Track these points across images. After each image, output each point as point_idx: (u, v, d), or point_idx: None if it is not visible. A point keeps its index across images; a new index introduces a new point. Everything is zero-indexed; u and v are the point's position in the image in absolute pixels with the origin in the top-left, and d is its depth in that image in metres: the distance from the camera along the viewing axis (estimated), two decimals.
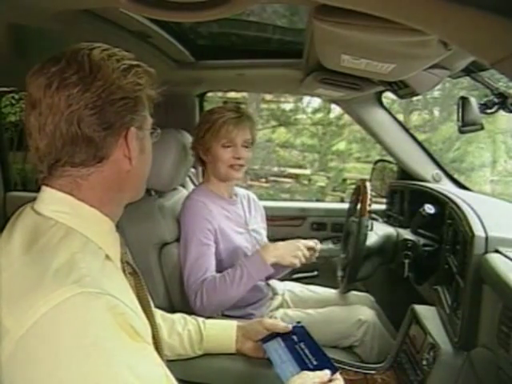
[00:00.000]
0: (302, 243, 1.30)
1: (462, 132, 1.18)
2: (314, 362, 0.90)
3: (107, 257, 0.64)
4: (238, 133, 1.36)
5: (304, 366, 0.89)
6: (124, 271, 0.72)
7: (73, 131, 0.61)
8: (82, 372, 0.51)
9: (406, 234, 1.40)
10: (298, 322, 1.03)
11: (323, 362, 0.90)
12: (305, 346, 0.95)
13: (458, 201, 1.26)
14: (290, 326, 0.99)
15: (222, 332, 1.03)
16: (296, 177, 6.22)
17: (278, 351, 0.95)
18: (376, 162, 2.10)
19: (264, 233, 1.55)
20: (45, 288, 0.53)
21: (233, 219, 1.43)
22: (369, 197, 1.32)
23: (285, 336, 0.98)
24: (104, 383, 0.52)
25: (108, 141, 0.63)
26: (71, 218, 0.63)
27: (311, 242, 1.33)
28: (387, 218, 1.85)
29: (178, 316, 1.04)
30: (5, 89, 2.23)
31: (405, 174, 1.84)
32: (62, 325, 0.52)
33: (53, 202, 0.64)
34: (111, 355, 0.53)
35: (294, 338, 0.98)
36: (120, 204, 0.72)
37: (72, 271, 0.55)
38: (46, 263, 0.56)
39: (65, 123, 0.60)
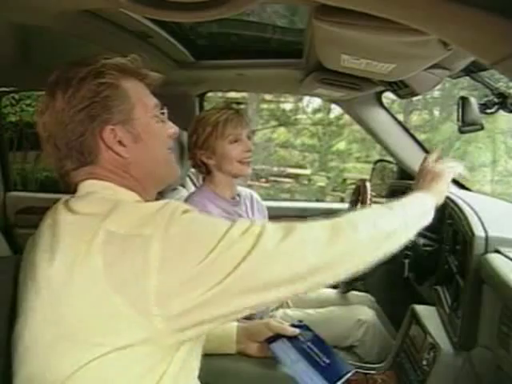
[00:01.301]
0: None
1: (461, 132, 1.18)
2: (327, 360, 0.90)
3: None
4: (242, 126, 1.36)
5: (316, 365, 0.89)
6: None
7: (55, 149, 0.69)
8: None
9: None
10: (300, 321, 1.03)
11: (335, 360, 0.90)
12: (312, 344, 0.95)
13: (458, 201, 1.25)
14: (298, 330, 0.99)
15: (223, 332, 1.03)
16: (296, 177, 6.21)
17: (286, 352, 0.94)
18: (376, 162, 2.10)
19: None
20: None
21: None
22: (369, 197, 1.32)
23: (290, 336, 0.98)
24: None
25: (85, 147, 0.69)
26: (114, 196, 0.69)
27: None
28: None
29: None
30: (5, 89, 2.23)
31: (405, 174, 1.84)
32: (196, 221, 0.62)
33: (96, 189, 0.69)
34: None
35: (300, 337, 0.97)
36: (150, 188, 0.76)
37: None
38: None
39: (50, 145, 0.70)
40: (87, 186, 0.70)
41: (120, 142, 0.70)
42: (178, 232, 0.59)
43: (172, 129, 0.79)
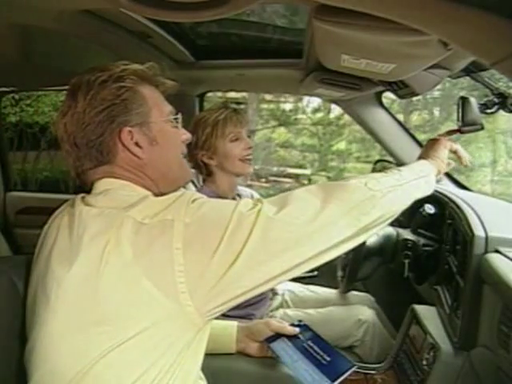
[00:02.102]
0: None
1: (462, 132, 1.18)
2: (328, 358, 0.90)
3: None
4: (241, 124, 1.36)
5: (317, 363, 0.89)
6: None
7: (75, 148, 0.72)
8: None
9: (406, 234, 1.40)
10: (300, 321, 1.03)
11: (336, 357, 0.90)
12: (313, 343, 0.95)
13: (458, 201, 1.25)
14: (297, 329, 0.99)
15: (223, 331, 1.03)
16: (296, 177, 6.21)
17: (286, 351, 0.95)
18: (376, 162, 2.09)
19: None
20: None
21: None
22: None
23: (290, 335, 0.98)
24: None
25: (104, 147, 0.72)
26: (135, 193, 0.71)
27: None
28: None
29: None
30: (5, 89, 2.23)
31: None
32: (210, 210, 0.64)
33: (115, 187, 0.72)
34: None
35: (300, 336, 0.98)
36: (164, 189, 0.77)
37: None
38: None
39: (70, 144, 0.73)
40: (105, 184, 0.73)
41: (136, 144, 0.73)
42: (194, 219, 0.62)
43: (185, 134, 0.82)
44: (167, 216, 0.62)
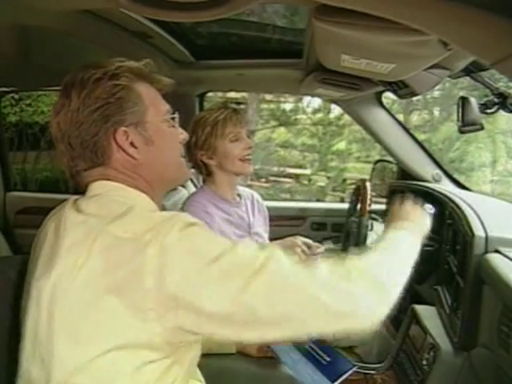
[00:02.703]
0: (301, 240, 1.30)
1: (461, 132, 1.18)
2: (328, 359, 0.90)
3: None
4: (241, 124, 1.35)
5: (317, 364, 0.90)
6: None
7: (69, 148, 0.70)
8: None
9: None
10: None
11: (336, 357, 0.90)
12: (313, 344, 0.95)
13: (458, 201, 1.26)
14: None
15: None
16: (296, 177, 6.21)
17: (287, 351, 0.95)
18: (376, 162, 2.10)
19: (266, 235, 1.54)
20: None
21: (234, 222, 1.41)
22: (369, 197, 1.32)
23: None
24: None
25: (99, 147, 0.69)
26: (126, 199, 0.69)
27: (310, 241, 1.33)
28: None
29: None
30: (5, 89, 2.23)
31: (405, 174, 1.84)
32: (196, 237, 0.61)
33: (108, 190, 0.70)
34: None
35: None
36: (159, 189, 0.77)
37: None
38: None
39: (64, 144, 0.70)
40: (99, 187, 0.71)
41: (132, 144, 0.71)
42: (175, 242, 0.58)
43: (182, 134, 0.80)
44: (146, 235, 0.59)
